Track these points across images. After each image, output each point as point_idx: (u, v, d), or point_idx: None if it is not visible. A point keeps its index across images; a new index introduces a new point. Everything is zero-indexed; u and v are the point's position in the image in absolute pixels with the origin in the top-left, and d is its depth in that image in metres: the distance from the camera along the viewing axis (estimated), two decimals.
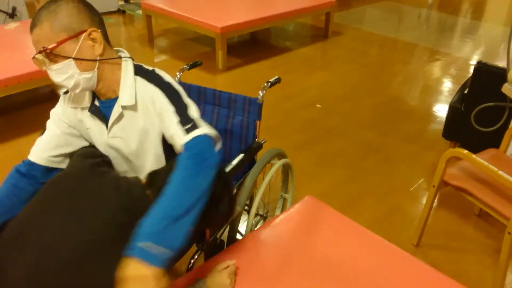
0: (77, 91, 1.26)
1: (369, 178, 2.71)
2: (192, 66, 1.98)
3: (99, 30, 1.23)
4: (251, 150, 1.75)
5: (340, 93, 3.79)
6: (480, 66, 2.60)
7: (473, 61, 4.56)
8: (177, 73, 1.90)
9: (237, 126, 1.83)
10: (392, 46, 4.95)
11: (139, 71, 1.30)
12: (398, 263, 1.49)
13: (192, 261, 1.63)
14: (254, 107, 1.78)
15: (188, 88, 1.87)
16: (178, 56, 4.48)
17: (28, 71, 2.91)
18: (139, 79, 1.28)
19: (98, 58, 1.24)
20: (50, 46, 1.18)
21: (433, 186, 2.02)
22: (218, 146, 1.23)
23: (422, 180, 2.71)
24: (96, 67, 1.24)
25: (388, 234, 2.27)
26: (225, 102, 1.84)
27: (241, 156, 1.67)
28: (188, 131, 1.20)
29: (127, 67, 1.29)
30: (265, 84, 1.82)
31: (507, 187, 1.89)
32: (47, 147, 1.37)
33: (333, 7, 5.01)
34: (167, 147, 1.32)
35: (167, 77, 1.31)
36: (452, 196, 2.58)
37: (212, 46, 4.72)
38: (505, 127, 2.39)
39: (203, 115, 1.88)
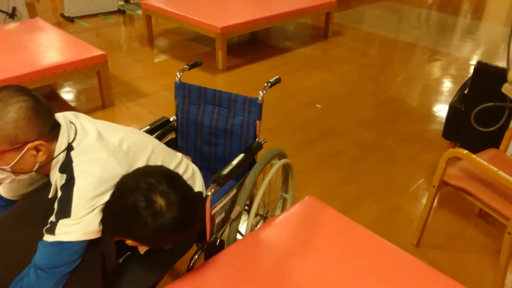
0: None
1: (369, 178, 2.71)
2: (192, 66, 1.98)
3: (46, 141, 1.16)
4: (251, 150, 1.75)
5: (340, 93, 3.79)
6: (480, 66, 2.60)
7: (473, 61, 4.55)
8: (177, 73, 1.90)
9: (237, 126, 1.83)
10: (392, 46, 4.95)
11: (63, 167, 1.19)
12: (398, 263, 1.49)
13: (192, 261, 1.63)
14: (254, 107, 1.78)
15: (188, 88, 1.88)
16: (178, 56, 4.48)
17: (28, 71, 2.91)
18: (59, 176, 1.20)
19: (37, 165, 1.18)
20: None
21: (433, 186, 2.03)
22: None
23: (422, 180, 2.71)
24: (34, 170, 1.20)
25: (388, 234, 2.27)
26: (225, 102, 1.84)
27: (241, 156, 1.67)
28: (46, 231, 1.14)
29: (58, 163, 1.19)
30: (266, 84, 1.82)
31: (507, 187, 1.89)
32: (22, 186, 1.38)
33: (333, 7, 5.01)
34: None
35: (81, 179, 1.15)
36: (452, 196, 2.58)
37: (212, 46, 4.72)
38: (505, 127, 2.40)
39: (203, 115, 1.88)
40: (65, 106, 3.45)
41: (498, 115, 2.48)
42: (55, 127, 1.20)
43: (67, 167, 1.17)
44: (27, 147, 1.13)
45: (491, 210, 1.87)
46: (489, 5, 6.94)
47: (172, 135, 1.95)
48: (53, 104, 1.46)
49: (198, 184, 1.53)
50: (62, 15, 5.47)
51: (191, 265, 1.64)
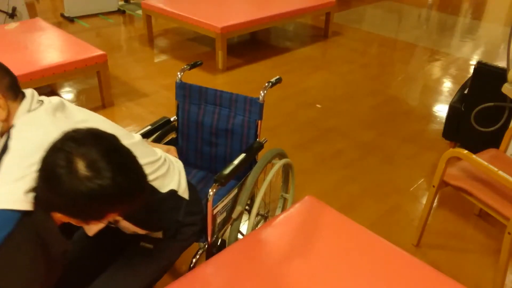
0: None
1: (369, 178, 2.71)
2: (193, 66, 1.99)
3: (3, 95, 1.14)
4: (253, 149, 1.76)
5: (340, 93, 3.79)
6: (480, 66, 2.61)
7: (473, 61, 4.56)
8: (178, 73, 1.90)
9: (238, 126, 1.84)
10: (392, 46, 4.96)
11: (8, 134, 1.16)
12: (398, 263, 1.49)
13: (194, 260, 1.63)
14: (255, 107, 1.78)
15: (189, 88, 1.88)
16: (178, 56, 4.48)
17: (28, 71, 2.91)
18: (2, 142, 1.17)
19: (1, 123, 1.15)
20: None
21: (433, 186, 2.03)
22: None
23: (422, 180, 2.71)
24: None
25: (388, 234, 2.27)
26: (226, 102, 1.84)
27: (242, 156, 1.67)
28: None
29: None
30: (266, 84, 1.82)
31: (507, 187, 1.89)
32: None
33: (333, 7, 5.01)
34: None
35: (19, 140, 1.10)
36: (452, 196, 2.59)
37: (212, 46, 4.72)
38: (505, 127, 2.40)
39: (204, 115, 1.88)
40: None
41: (498, 115, 2.48)
42: (17, 89, 1.17)
43: (9, 134, 1.12)
44: None
45: (491, 210, 1.87)
46: (489, 5, 6.94)
47: (172, 135, 1.95)
48: None
49: (173, 183, 1.41)
50: (62, 15, 5.47)
51: (192, 264, 1.64)
